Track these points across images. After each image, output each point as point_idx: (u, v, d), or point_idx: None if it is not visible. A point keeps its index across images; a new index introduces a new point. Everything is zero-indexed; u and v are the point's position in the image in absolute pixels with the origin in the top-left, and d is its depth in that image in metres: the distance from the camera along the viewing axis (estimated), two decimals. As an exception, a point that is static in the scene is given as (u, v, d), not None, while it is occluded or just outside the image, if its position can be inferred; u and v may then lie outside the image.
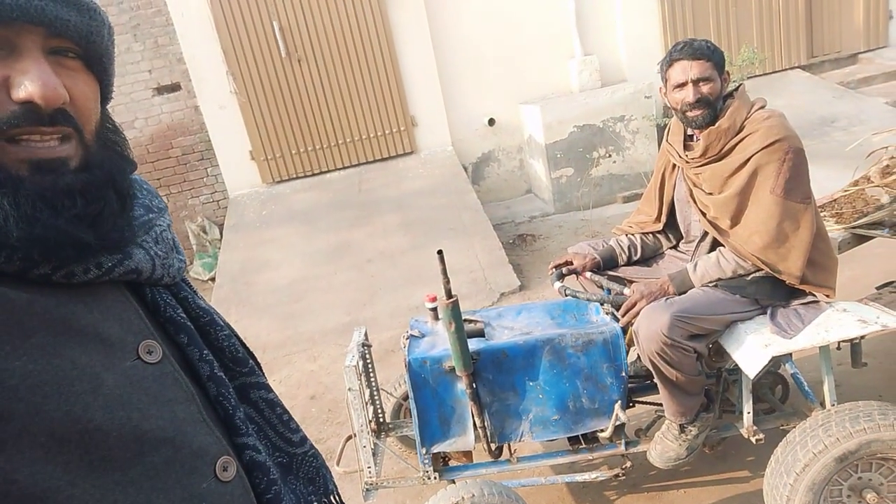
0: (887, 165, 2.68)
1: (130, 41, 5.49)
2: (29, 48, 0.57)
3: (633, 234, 2.27)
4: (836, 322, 1.76)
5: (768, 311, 1.87)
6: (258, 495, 0.73)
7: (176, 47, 5.47)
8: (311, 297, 4.48)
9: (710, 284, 1.90)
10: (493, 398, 2.08)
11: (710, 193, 1.94)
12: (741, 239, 1.84)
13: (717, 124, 1.85)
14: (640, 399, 2.34)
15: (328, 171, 5.92)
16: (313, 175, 5.90)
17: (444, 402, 2.10)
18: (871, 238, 2.54)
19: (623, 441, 2.14)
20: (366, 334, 2.37)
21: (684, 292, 1.91)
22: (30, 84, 0.55)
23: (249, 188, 5.84)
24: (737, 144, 1.84)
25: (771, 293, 1.88)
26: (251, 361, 0.81)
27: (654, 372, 1.88)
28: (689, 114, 1.86)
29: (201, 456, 0.66)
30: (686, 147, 1.99)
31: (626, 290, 2.04)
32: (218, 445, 0.69)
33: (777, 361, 2.20)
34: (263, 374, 0.84)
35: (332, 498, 0.89)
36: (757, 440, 2.00)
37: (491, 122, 6.11)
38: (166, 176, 5.92)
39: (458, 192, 5.42)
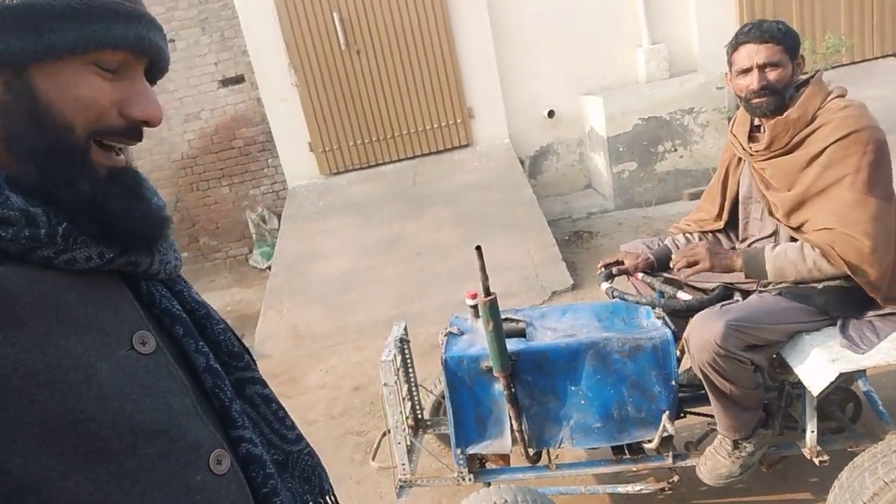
0: None
1: (199, 34, 5.69)
2: (139, 73, 0.66)
3: (691, 233, 2.12)
4: (918, 339, 1.57)
5: (838, 323, 1.68)
6: (254, 490, 0.72)
7: (241, 40, 5.62)
8: (361, 288, 4.50)
9: (774, 291, 1.73)
10: (532, 401, 2.00)
11: (779, 190, 1.77)
12: (823, 231, 1.64)
13: (785, 114, 1.68)
14: (692, 410, 2.19)
15: (384, 164, 5.94)
16: (369, 167, 5.93)
17: (481, 402, 2.03)
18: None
19: (671, 454, 2.00)
20: (405, 329, 2.34)
21: (749, 276, 1.73)
22: (147, 107, 0.65)
23: (307, 179, 5.94)
24: (808, 136, 1.66)
25: (843, 304, 1.70)
26: (247, 356, 0.80)
27: (705, 383, 1.74)
28: (754, 101, 1.70)
29: (195, 449, 0.66)
30: (751, 139, 1.83)
31: (681, 294, 1.90)
32: (212, 439, 0.68)
33: (849, 377, 2.00)
34: (258, 369, 0.82)
35: (327, 498, 0.87)
36: (821, 462, 1.82)
37: (551, 113, 5.95)
38: (229, 166, 6.11)
39: (514, 186, 5.31)
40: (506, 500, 1.81)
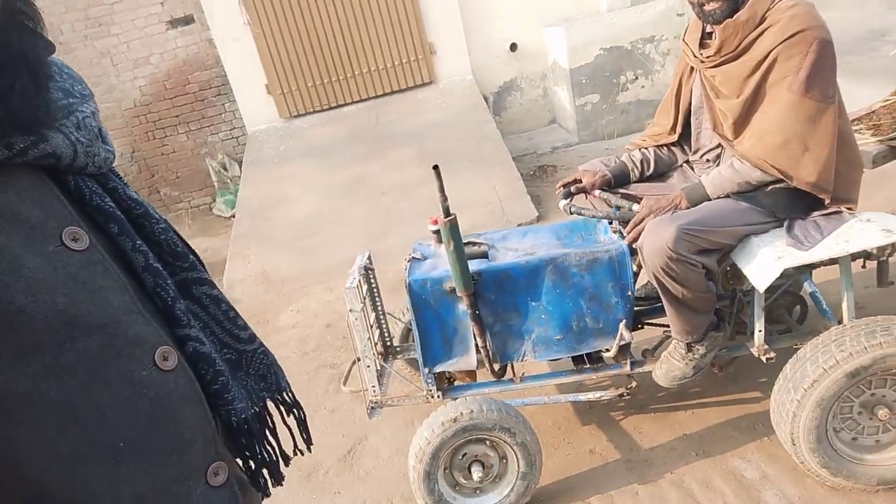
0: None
1: (140, -28, 5.36)
2: None
3: (646, 148, 2.15)
4: (857, 232, 1.64)
5: (785, 224, 1.75)
6: (204, 387, 0.72)
7: (186, -23, 5.32)
8: (328, 230, 4.48)
9: (723, 196, 1.79)
10: (495, 319, 2.05)
11: (728, 98, 1.80)
12: (751, 143, 1.71)
13: (735, 17, 1.69)
14: (651, 321, 2.28)
15: (345, 105, 5.80)
16: (330, 109, 5.79)
17: (445, 322, 2.08)
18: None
19: (628, 361, 2.09)
20: (369, 257, 2.35)
21: (696, 204, 1.80)
22: None
23: (267, 123, 5.78)
24: (756, 39, 1.68)
25: (788, 205, 1.76)
26: (192, 257, 0.78)
27: (658, 288, 1.80)
28: (706, 7, 1.70)
29: (139, 344, 0.65)
30: (703, 46, 1.83)
31: (636, 207, 1.95)
32: (156, 335, 0.67)
33: (797, 281, 2.10)
34: (206, 270, 0.81)
35: (284, 395, 0.88)
36: (768, 359, 1.93)
37: (513, 47, 5.84)
38: (185, 113, 5.90)
39: (478, 122, 5.26)
40: (472, 411, 1.88)
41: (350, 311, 2.07)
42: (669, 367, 1.99)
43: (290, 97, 5.72)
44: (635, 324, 2.24)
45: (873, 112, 2.58)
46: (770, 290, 2.12)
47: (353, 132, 5.49)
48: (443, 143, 5.08)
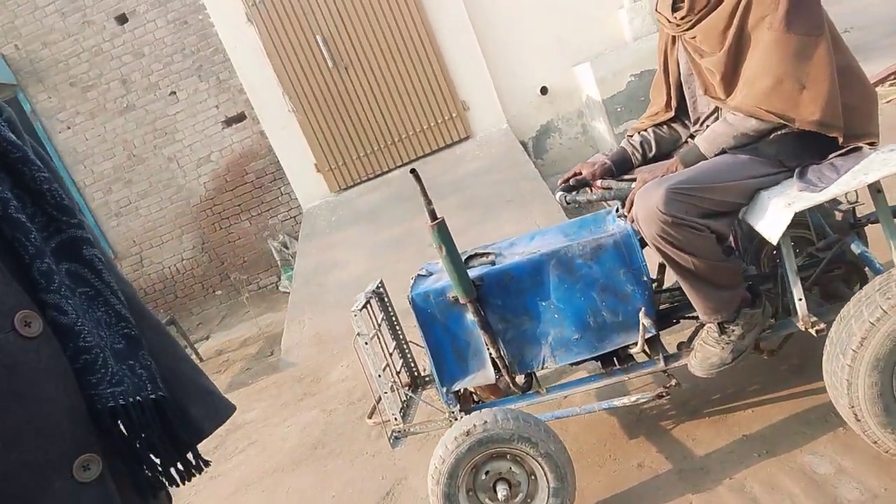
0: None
1: (196, 83, 5.98)
2: None
3: (645, 130, 2.04)
4: (879, 163, 1.44)
5: (796, 171, 1.57)
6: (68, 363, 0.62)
7: (236, 80, 5.87)
8: (376, 286, 4.52)
9: (720, 153, 1.64)
10: (505, 325, 1.94)
11: (712, 54, 1.69)
12: (742, 94, 1.58)
13: None
14: (686, 315, 2.08)
15: (389, 171, 6.02)
16: (376, 177, 6.02)
17: (456, 336, 1.99)
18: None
19: (661, 356, 1.90)
20: (380, 284, 2.33)
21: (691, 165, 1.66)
22: None
23: (320, 199, 6.08)
24: None
25: (798, 151, 1.59)
26: (80, 216, 0.72)
27: (666, 262, 1.65)
28: None
29: None
30: (676, 10, 1.76)
31: (634, 184, 1.83)
32: (17, 297, 0.60)
33: (844, 245, 1.87)
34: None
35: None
36: (818, 331, 1.68)
37: (544, 90, 5.91)
38: (245, 201, 6.33)
39: (515, 164, 5.27)
40: (485, 421, 1.74)
41: (358, 334, 2.03)
42: (704, 353, 1.79)
43: (337, 172, 6.02)
44: (669, 320, 2.06)
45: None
46: (813, 260, 1.90)
47: (397, 194, 5.64)
48: (482, 189, 5.11)
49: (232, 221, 6.40)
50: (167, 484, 0.72)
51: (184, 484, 0.74)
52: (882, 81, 2.38)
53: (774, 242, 1.50)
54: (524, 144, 5.86)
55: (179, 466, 0.72)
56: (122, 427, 0.65)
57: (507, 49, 5.82)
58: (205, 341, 5.85)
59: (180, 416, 0.70)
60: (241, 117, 6.09)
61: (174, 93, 5.95)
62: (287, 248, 6.27)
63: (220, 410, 0.76)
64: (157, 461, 0.69)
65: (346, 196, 6.01)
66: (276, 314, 5.77)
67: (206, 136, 6.11)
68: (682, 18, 1.73)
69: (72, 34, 5.84)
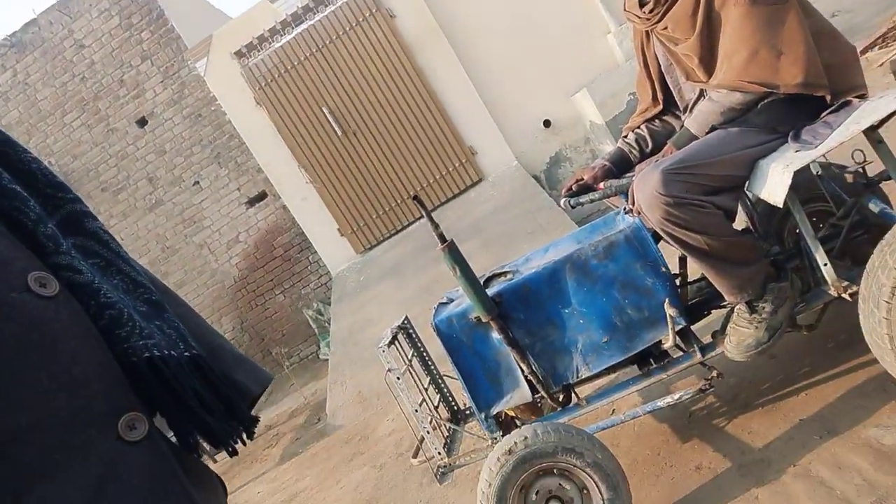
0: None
1: (217, 169, 6.28)
2: None
3: (638, 128, 2.07)
4: (870, 110, 1.43)
5: (790, 135, 1.57)
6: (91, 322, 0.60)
7: (253, 161, 6.15)
8: (411, 336, 4.53)
9: (710, 131, 1.65)
10: (532, 338, 1.93)
11: (685, 40, 1.73)
12: (722, 71, 1.60)
13: None
14: (718, 305, 2.02)
15: (409, 224, 6.12)
16: (397, 232, 6.13)
17: (485, 357, 1.98)
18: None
19: (696, 348, 1.85)
20: (406, 320, 2.35)
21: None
22: None
23: (347, 262, 6.19)
24: None
25: (788, 116, 1.59)
26: (74, 192, 0.70)
27: (677, 246, 1.63)
28: None
29: (3, 265, 0.56)
30: (643, 5, 1.82)
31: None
32: (27, 260, 0.58)
33: (861, 208, 1.82)
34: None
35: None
36: (851, 295, 1.62)
37: (547, 123, 6.01)
38: (277, 275, 6.49)
39: (530, 197, 5.31)
40: (525, 437, 1.71)
41: (388, 370, 2.04)
42: (739, 336, 1.73)
43: (360, 233, 6.15)
44: (699, 312, 2.01)
45: (895, 24, 2.35)
46: (837, 230, 1.86)
47: (419, 246, 5.72)
48: (502, 226, 5.14)
49: (267, 297, 6.54)
50: (224, 448, 0.67)
51: (244, 444, 0.69)
52: (871, 47, 2.37)
53: (780, 205, 1.48)
54: (536, 178, 5.92)
55: (230, 427, 0.67)
56: (164, 382, 0.61)
57: (506, 90, 5.98)
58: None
59: (223, 378, 0.67)
60: (262, 196, 6.33)
61: (197, 182, 6.25)
62: (322, 314, 6.35)
63: (262, 375, 0.74)
64: (210, 420, 0.64)
65: (372, 255, 6.11)
66: (319, 381, 5.79)
67: (231, 218, 6.35)
68: (650, 12, 1.78)
69: (98, 143, 6.25)
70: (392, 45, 5.91)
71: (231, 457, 0.70)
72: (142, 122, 6.22)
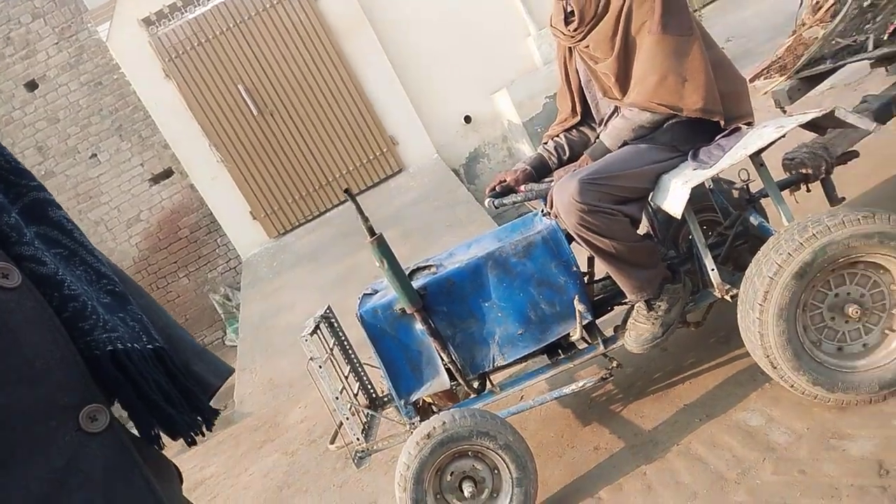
0: (816, 2, 2.55)
1: (118, 143, 5.89)
2: None
3: (557, 136, 2.22)
4: (755, 137, 1.65)
5: (689, 154, 1.77)
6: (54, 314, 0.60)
7: (159, 136, 5.82)
8: (326, 323, 4.52)
9: (622, 145, 1.82)
10: (453, 330, 2.03)
11: (605, 59, 1.89)
12: (636, 91, 1.77)
13: None
14: (618, 302, 2.23)
15: (327, 211, 6.05)
16: (314, 218, 6.04)
17: (407, 347, 2.06)
18: (821, 79, 2.40)
19: (600, 340, 2.03)
20: (329, 309, 2.38)
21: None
22: None
23: (259, 247, 6.03)
24: None
25: (689, 136, 1.79)
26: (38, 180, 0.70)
27: (589, 249, 1.79)
28: None
29: None
30: (568, 23, 1.96)
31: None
32: None
33: (744, 221, 2.07)
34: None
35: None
36: (732, 297, 1.86)
37: (467, 119, 6.16)
38: (181, 257, 6.20)
39: (449, 191, 5.44)
40: (443, 422, 1.81)
41: (311, 359, 2.07)
42: (637, 331, 1.93)
43: (274, 217, 6.00)
44: (603, 308, 2.20)
45: (778, 58, 2.67)
46: (723, 238, 2.10)
47: (337, 232, 5.68)
48: (420, 217, 5.23)
49: (169, 280, 6.23)
50: (184, 439, 0.68)
51: (202, 436, 0.70)
52: (758, 76, 2.67)
53: (678, 216, 1.67)
54: (456, 172, 6.05)
55: (189, 419, 0.68)
56: (127, 374, 0.62)
57: (429, 83, 6.05)
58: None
59: (184, 370, 0.69)
60: (168, 173, 6.02)
61: (95, 155, 5.83)
62: (230, 300, 6.15)
63: (221, 367, 0.75)
64: (172, 412, 0.65)
65: (286, 240, 5.99)
66: (225, 368, 5.63)
67: (133, 195, 5.99)
68: (574, 31, 1.92)
69: (-21, 106, 5.66)
70: (315, 28, 5.79)
71: (189, 447, 0.72)
72: (31, 86, 5.69)
